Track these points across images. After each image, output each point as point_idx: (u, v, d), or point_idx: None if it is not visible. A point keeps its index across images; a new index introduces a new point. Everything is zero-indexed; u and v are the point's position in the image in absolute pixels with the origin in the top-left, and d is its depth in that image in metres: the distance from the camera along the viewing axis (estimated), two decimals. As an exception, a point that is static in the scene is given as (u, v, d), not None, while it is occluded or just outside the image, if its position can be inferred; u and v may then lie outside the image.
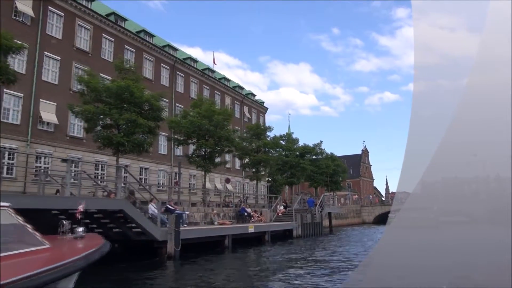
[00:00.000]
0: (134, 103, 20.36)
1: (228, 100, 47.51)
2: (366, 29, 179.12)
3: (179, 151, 36.00)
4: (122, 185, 14.34)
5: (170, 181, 37.60)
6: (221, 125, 26.54)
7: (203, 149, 27.14)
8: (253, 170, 33.92)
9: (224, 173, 45.26)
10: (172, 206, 18.71)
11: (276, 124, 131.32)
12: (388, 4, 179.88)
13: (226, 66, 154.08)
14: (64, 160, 13.23)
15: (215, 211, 22.13)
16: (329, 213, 31.20)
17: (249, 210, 24.84)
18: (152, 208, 17.22)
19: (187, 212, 19.02)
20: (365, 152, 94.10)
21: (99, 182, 20.07)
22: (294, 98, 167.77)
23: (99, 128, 20.87)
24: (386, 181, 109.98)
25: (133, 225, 12.65)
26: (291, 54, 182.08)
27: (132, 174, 34.85)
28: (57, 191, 22.04)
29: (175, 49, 40.40)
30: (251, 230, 18.79)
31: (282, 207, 28.79)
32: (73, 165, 29.53)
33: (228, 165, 46.24)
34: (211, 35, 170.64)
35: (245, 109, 50.30)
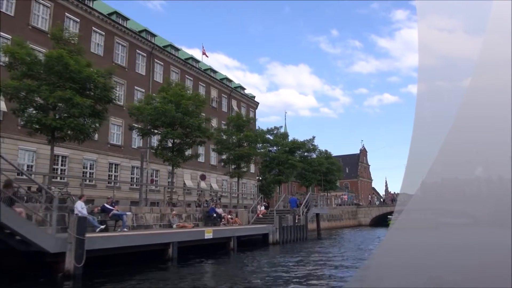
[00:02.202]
0: (71, 79, 16.28)
1: (214, 93, 43.38)
2: (365, 30, 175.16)
3: (154, 142, 31.89)
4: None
5: (146, 178, 33.47)
6: (191, 113, 22.39)
7: (171, 140, 23.05)
8: (234, 166, 29.73)
9: (209, 171, 41.13)
10: (109, 206, 14.59)
11: (275, 125, 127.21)
12: (387, 6, 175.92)
13: (225, 67, 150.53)
14: None
15: (174, 212, 17.97)
16: (317, 215, 26.95)
17: (219, 210, 20.66)
18: (79, 207, 13.16)
19: (128, 213, 14.87)
20: (363, 151, 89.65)
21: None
22: (293, 99, 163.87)
23: (32, 110, 16.80)
24: (386, 182, 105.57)
25: (10, 231, 8.51)
26: (290, 56, 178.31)
27: (101, 171, 30.92)
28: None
29: (153, 35, 36.33)
30: (208, 235, 14.58)
31: (262, 208, 24.61)
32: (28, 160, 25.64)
33: (213, 162, 42.19)
34: (210, 36, 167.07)
35: (234, 102, 46.14)
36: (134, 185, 31.75)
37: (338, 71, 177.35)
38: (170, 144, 23.14)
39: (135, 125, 23.30)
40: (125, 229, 14.24)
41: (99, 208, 14.56)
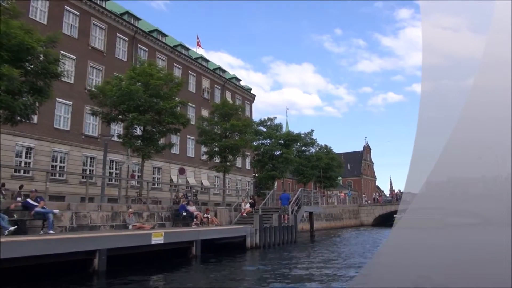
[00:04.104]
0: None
1: (206, 83, 39.95)
2: (369, 29, 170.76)
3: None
4: None
5: (127, 173, 30.18)
6: (162, 95, 19.00)
7: (141, 128, 19.69)
8: (220, 159, 26.30)
9: (199, 166, 37.75)
10: (32, 201, 11.22)
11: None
12: (391, 5, 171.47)
13: (229, 66, 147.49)
14: None
15: (131, 210, 14.57)
16: (311, 214, 23.39)
17: (192, 208, 17.23)
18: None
19: (55, 211, 11.45)
20: (367, 148, 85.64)
21: None
22: (297, 98, 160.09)
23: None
24: (391, 181, 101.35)
25: None
26: (294, 55, 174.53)
27: (74, 164, 27.66)
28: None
29: (137, 19, 33.00)
30: (158, 239, 11.10)
31: (247, 205, 21.16)
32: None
33: (204, 157, 38.75)
34: (214, 36, 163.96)
35: (228, 94, 42.62)
36: (113, 180, 28.49)
37: (342, 70, 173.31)
38: (139, 132, 19.78)
39: (99, 109, 19.86)
40: (51, 231, 10.89)
41: (20, 204, 11.20)
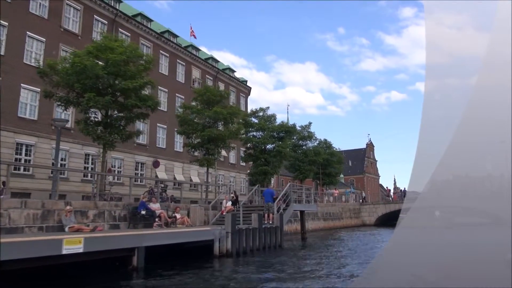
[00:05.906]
0: None
1: (196, 73, 36.87)
2: (372, 28, 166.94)
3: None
4: None
5: (105, 168, 27.18)
6: (125, 73, 15.97)
7: (102, 111, 16.69)
8: (204, 152, 23.24)
9: (188, 162, 34.68)
10: None
11: (281, 121, 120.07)
12: (394, 4, 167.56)
13: (232, 65, 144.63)
14: None
15: (69, 208, 11.51)
16: (302, 213, 20.15)
17: (155, 206, 14.15)
18: None
19: None
20: (370, 146, 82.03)
21: None
22: (300, 97, 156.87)
23: None
24: (394, 180, 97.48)
25: None
26: (297, 54, 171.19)
27: (42, 158, 24.74)
28: None
29: (119, 1, 29.99)
30: (72, 248, 7.86)
31: (229, 203, 18.05)
32: None
33: (195, 152, 35.73)
34: (217, 35, 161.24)
35: (221, 86, 39.51)
36: (88, 175, 25.52)
37: (345, 69, 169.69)
38: (100, 117, 16.76)
39: (52, 90, 16.81)
40: None
41: None
